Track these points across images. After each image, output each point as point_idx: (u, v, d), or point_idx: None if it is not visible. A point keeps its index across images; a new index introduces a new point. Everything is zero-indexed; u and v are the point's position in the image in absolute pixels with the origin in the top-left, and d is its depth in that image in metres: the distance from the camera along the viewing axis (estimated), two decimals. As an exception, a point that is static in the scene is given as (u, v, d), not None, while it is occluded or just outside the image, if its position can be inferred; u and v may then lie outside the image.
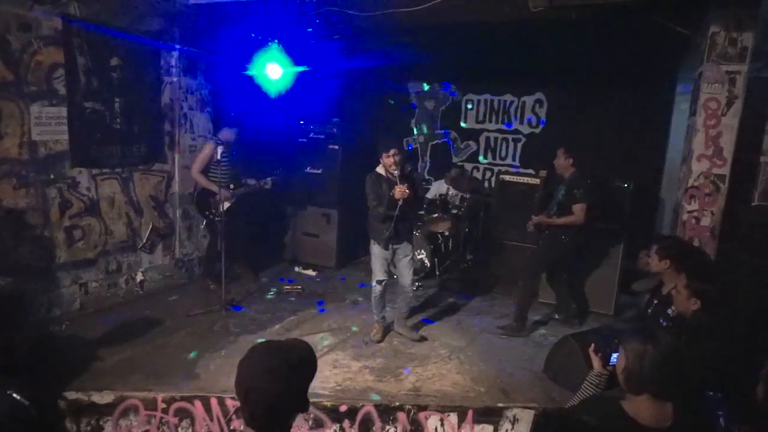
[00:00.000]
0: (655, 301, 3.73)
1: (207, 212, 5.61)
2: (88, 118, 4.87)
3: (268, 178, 5.86)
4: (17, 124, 4.33)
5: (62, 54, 4.57)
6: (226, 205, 5.47)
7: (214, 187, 5.42)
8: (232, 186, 5.60)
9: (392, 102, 8.46)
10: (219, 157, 5.32)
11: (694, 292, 2.93)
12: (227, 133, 5.64)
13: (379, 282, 4.81)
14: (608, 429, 1.86)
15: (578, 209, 4.89)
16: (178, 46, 5.63)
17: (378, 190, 4.60)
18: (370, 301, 5.47)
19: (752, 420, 2.26)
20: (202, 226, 5.59)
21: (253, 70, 6.78)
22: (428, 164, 8.50)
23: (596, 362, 2.53)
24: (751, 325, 3.53)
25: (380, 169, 4.69)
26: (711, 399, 2.45)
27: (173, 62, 5.65)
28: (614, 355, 2.45)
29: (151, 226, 5.64)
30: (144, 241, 5.60)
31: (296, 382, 1.62)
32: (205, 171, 5.55)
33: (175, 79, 5.68)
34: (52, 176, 4.63)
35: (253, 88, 6.87)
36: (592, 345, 2.59)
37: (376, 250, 4.76)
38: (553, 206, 5.08)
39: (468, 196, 7.05)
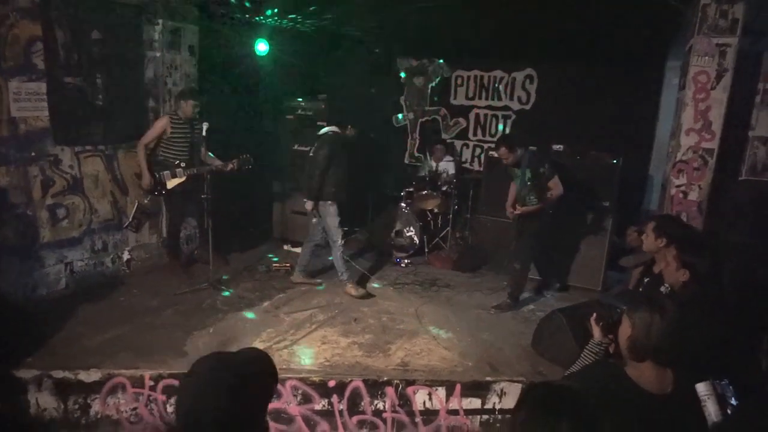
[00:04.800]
0: (646, 280, 3.74)
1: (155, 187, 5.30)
2: (69, 94, 4.75)
3: (234, 160, 5.29)
4: (-5, 100, 4.22)
5: (40, 27, 4.43)
6: (175, 182, 5.28)
7: (144, 168, 5.17)
8: (183, 164, 5.27)
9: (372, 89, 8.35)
10: (169, 133, 5.20)
11: (683, 263, 2.93)
12: (185, 107, 5.24)
13: (343, 238, 5.36)
14: (610, 392, 1.87)
15: (555, 184, 4.94)
16: (161, 20, 5.48)
17: (340, 152, 5.18)
18: (361, 276, 5.49)
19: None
20: (146, 201, 5.36)
21: (240, 45, 6.68)
22: (417, 141, 8.45)
23: (597, 331, 2.54)
24: (739, 298, 3.56)
25: (337, 129, 5.25)
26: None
27: (156, 36, 5.50)
28: None
29: (136, 204, 5.55)
30: (130, 219, 5.51)
31: (247, 404, 1.38)
32: (155, 146, 5.29)
33: (158, 54, 5.55)
34: (33, 154, 4.53)
35: (239, 62, 6.78)
36: (594, 314, 2.59)
37: (333, 210, 5.20)
38: (525, 191, 5.02)
39: (452, 173, 7.01)
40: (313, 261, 5.76)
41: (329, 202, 5.19)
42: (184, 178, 5.31)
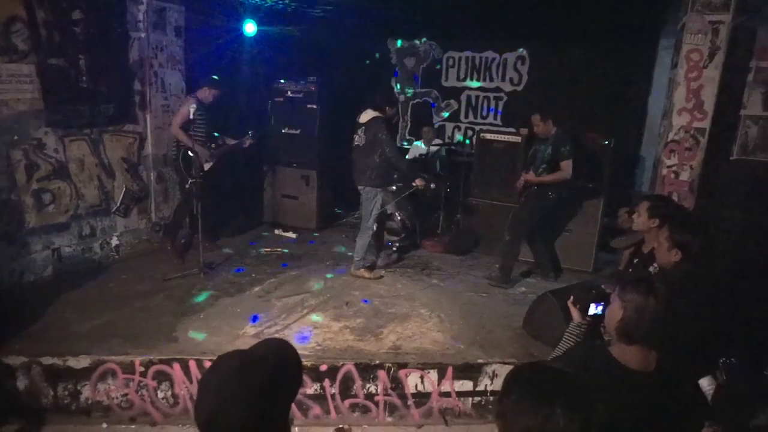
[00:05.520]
0: (636, 260, 3.74)
1: (192, 171, 5.26)
2: (51, 75, 4.62)
3: (246, 137, 5.73)
4: (-26, 82, 4.11)
5: (19, 6, 4.29)
6: (208, 165, 5.45)
7: (195, 144, 5.26)
8: (213, 146, 5.49)
9: (378, 55, 8.23)
10: (191, 116, 5.17)
11: (675, 243, 2.92)
12: (205, 92, 5.44)
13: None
14: (596, 372, 1.85)
15: (566, 165, 4.91)
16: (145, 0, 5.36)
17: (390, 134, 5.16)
18: (350, 263, 5.47)
19: None
20: (187, 186, 5.30)
21: (227, 25, 6.54)
22: (409, 124, 8.37)
23: (575, 314, 2.54)
24: (730, 276, 3.56)
25: (378, 113, 5.18)
26: (727, 365, 2.40)
27: (141, 16, 5.37)
28: (593, 306, 2.46)
29: (124, 189, 5.48)
30: (118, 204, 5.45)
31: (271, 406, 1.29)
32: (185, 129, 5.34)
33: (143, 35, 5.42)
34: (15, 137, 4.42)
35: (227, 43, 6.65)
36: (571, 297, 2.58)
37: (380, 197, 5.23)
38: (540, 164, 5.05)
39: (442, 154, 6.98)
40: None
41: (379, 189, 5.20)
42: (215, 160, 5.46)
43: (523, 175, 5.15)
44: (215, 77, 5.54)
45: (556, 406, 1.26)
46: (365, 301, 4.80)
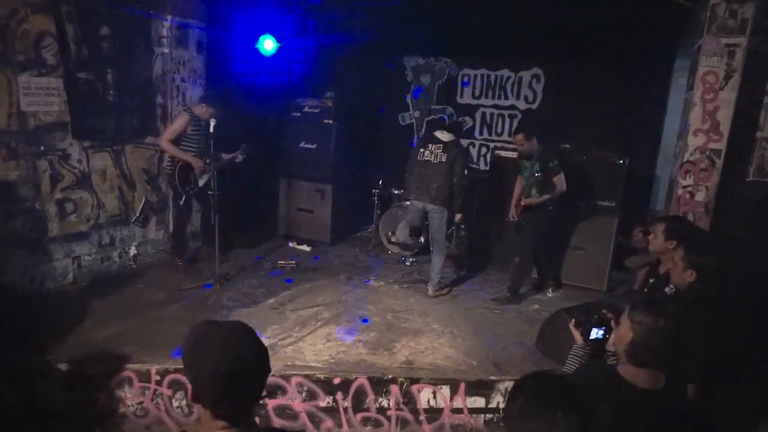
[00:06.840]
0: (652, 280, 3.74)
1: (187, 187, 5.35)
2: (79, 88, 4.78)
3: (238, 151, 5.58)
4: (5, 94, 4.22)
5: (50, 22, 4.45)
6: (205, 178, 5.35)
7: (186, 156, 5.26)
8: (207, 160, 5.26)
9: (390, 65, 8.30)
10: (189, 131, 5.28)
11: (690, 263, 2.93)
12: (201, 109, 5.34)
13: None
14: (603, 388, 1.87)
15: (559, 179, 4.98)
16: (169, 17, 5.51)
17: None
18: (364, 275, 5.50)
19: None
20: (181, 202, 5.41)
21: (247, 41, 6.69)
22: (424, 140, 8.42)
23: (577, 336, 2.56)
24: (746, 299, 3.55)
25: (454, 136, 5.33)
26: None
27: (164, 33, 5.53)
28: (594, 330, 2.48)
29: (144, 200, 5.60)
30: (137, 215, 5.56)
31: (266, 357, 1.57)
32: (176, 142, 5.31)
33: (166, 50, 5.57)
34: (42, 148, 4.56)
35: (246, 58, 6.80)
36: (573, 320, 2.61)
37: (447, 216, 5.31)
38: (533, 183, 5.09)
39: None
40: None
41: (447, 208, 5.26)
42: (210, 175, 5.25)
43: (523, 200, 5.18)
44: (214, 99, 5.38)
45: (557, 411, 1.34)
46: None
